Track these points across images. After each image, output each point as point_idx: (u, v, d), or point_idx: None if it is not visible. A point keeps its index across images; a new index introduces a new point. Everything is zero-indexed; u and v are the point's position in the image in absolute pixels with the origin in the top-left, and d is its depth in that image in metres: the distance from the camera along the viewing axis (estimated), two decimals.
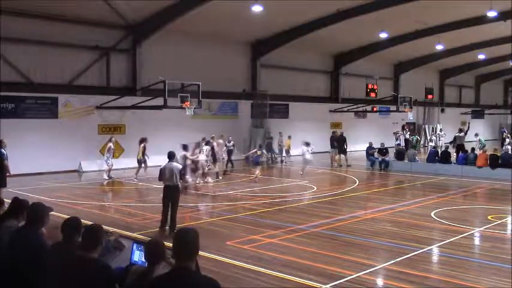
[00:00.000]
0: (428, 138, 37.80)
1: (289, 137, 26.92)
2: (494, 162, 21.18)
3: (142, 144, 19.65)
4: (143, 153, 19.65)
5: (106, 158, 19.85)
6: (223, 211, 13.87)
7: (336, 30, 27.45)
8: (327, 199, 15.38)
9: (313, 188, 17.80)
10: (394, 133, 29.65)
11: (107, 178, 19.69)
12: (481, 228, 11.94)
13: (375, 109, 35.11)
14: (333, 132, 27.93)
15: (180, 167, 11.46)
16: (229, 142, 23.07)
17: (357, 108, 33.46)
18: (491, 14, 24.92)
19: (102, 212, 13.89)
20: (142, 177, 19.50)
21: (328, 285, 7.79)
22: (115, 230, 7.37)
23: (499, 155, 22.04)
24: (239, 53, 29.56)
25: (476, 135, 30.09)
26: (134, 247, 5.25)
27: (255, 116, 29.19)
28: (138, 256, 5.14)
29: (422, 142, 37.45)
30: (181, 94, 21.07)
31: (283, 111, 31.61)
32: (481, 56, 39.52)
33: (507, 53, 36.75)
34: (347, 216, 13.09)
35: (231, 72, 28.64)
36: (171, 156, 11.57)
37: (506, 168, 20.39)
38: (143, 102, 22.02)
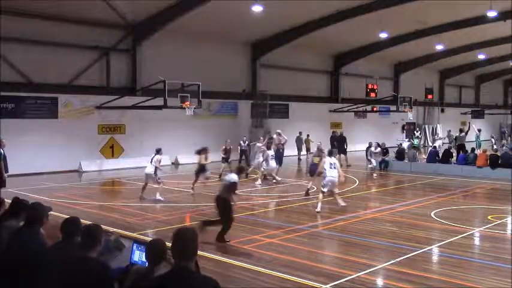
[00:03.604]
0: (428, 138, 37.82)
1: (308, 136, 26.48)
2: (494, 162, 21.19)
3: (203, 155, 16.86)
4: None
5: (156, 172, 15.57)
6: None
7: (336, 30, 27.43)
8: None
9: (313, 188, 17.79)
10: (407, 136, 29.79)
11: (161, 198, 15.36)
12: (481, 228, 11.93)
13: (375, 109, 35.11)
14: (333, 132, 27.87)
15: (236, 179, 10.52)
16: (244, 142, 22.96)
17: (356, 108, 33.46)
18: (491, 14, 24.90)
19: (102, 212, 13.88)
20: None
21: (328, 285, 7.78)
22: (115, 230, 7.38)
23: (499, 155, 22.06)
24: (239, 53, 29.54)
25: (480, 130, 29.96)
26: (134, 247, 5.25)
27: (255, 116, 29.18)
28: (138, 256, 5.14)
29: (422, 142, 37.46)
30: (181, 94, 21.09)
31: (283, 111, 31.59)
32: (481, 56, 39.52)
33: (507, 53, 36.76)
34: (347, 216, 13.07)
35: (231, 72, 28.63)
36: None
37: (506, 168, 20.41)
38: (143, 102, 22.02)
